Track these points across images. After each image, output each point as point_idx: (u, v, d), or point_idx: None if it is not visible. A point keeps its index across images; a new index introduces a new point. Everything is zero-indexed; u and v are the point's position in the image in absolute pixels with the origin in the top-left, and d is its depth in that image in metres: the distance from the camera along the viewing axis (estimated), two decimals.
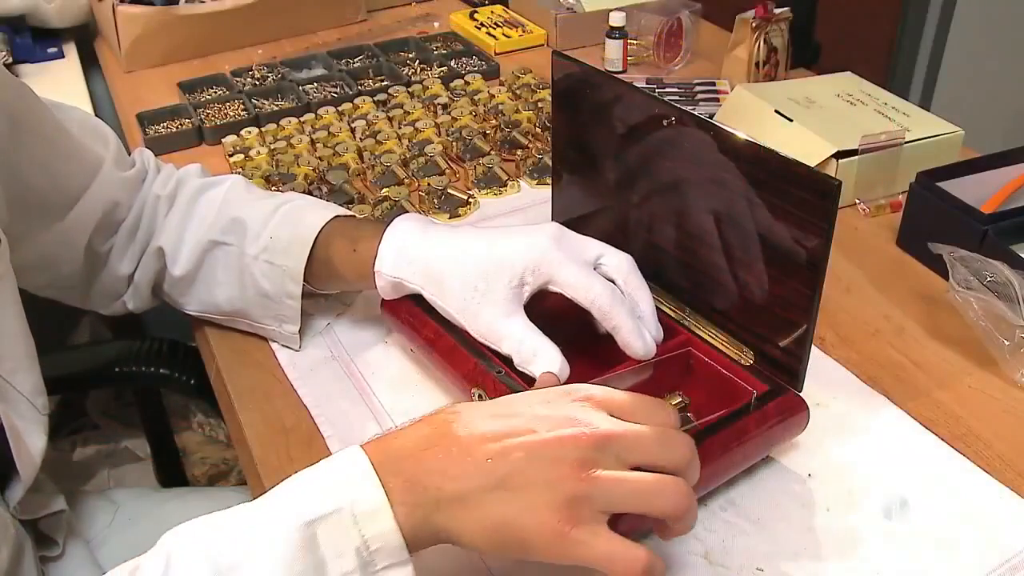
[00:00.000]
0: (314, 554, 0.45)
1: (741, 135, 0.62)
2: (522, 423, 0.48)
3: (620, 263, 0.67)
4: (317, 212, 0.75)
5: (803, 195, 0.58)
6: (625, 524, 0.48)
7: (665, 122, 0.67)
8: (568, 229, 0.68)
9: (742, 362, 0.66)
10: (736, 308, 0.67)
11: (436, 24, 1.50)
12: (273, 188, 0.99)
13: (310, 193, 0.98)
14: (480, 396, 0.65)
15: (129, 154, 0.82)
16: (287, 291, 0.74)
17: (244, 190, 0.79)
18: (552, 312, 0.71)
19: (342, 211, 0.76)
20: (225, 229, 0.76)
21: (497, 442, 0.47)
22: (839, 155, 0.92)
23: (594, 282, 0.64)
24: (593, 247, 0.67)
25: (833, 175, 0.91)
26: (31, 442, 0.66)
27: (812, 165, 0.91)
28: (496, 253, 0.66)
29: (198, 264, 0.77)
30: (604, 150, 0.75)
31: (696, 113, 0.65)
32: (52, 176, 0.73)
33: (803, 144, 0.94)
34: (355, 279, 0.73)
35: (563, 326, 0.73)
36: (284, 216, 0.75)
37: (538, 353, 0.64)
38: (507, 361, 0.66)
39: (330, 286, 0.77)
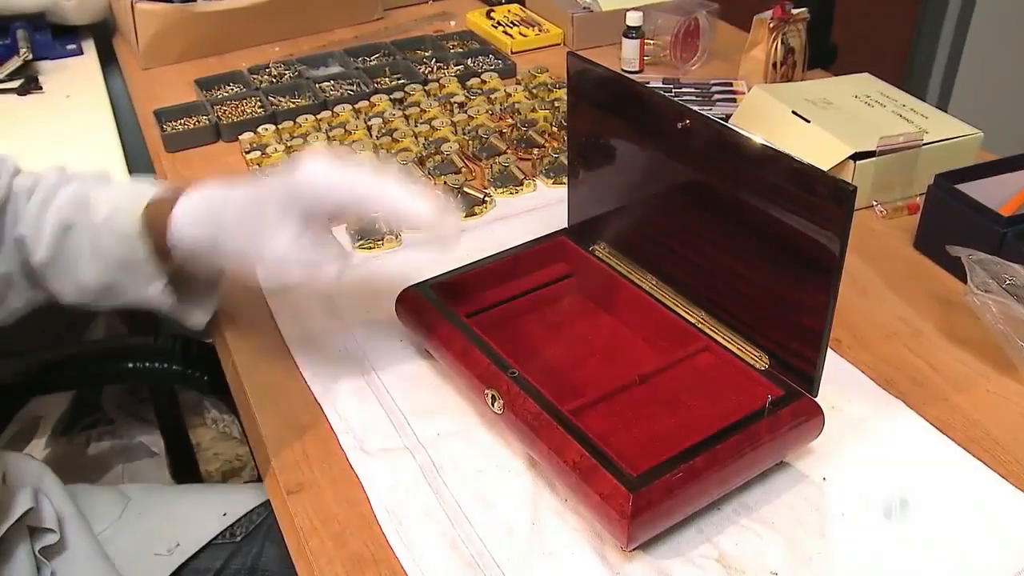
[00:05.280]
0: None
1: (757, 139, 0.61)
2: None
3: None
4: (155, 186, 0.77)
5: (818, 200, 0.58)
6: None
7: (680, 124, 0.67)
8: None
9: (757, 366, 0.66)
10: (751, 312, 0.67)
11: (452, 22, 1.50)
12: None
13: None
14: (493, 397, 0.65)
15: None
16: (137, 253, 0.75)
17: (103, 178, 0.81)
18: (542, 336, 0.73)
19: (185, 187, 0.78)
20: (76, 209, 0.77)
21: None
22: (857, 156, 0.91)
23: (352, 173, 0.65)
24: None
25: (850, 176, 0.90)
26: None
27: (829, 166, 0.91)
28: (250, 195, 0.67)
29: (58, 247, 0.77)
30: (619, 151, 0.75)
31: (712, 114, 0.65)
32: None
33: (820, 145, 0.93)
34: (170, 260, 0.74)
35: (555, 347, 0.74)
36: (126, 189, 0.78)
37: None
38: (520, 362, 0.66)
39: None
